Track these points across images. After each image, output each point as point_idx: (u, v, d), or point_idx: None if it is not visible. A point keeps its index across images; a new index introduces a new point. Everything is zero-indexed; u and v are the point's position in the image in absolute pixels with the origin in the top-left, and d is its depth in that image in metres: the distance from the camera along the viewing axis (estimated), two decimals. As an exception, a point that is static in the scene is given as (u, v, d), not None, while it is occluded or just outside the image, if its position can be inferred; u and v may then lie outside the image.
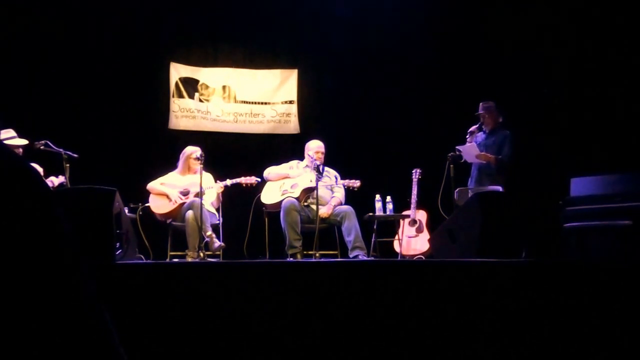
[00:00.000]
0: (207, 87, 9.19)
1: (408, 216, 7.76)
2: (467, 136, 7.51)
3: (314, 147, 7.45)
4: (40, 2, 8.32)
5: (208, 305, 3.87)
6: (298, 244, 6.90)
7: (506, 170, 7.37)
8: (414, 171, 7.82)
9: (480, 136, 7.56)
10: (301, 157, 7.58)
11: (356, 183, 7.18)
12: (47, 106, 8.10)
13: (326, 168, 7.33)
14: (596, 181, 6.69)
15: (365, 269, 4.31)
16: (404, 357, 3.93)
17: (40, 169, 6.69)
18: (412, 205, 7.78)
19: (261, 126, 9.33)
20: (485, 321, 4.01)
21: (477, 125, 7.53)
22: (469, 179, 7.57)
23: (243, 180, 7.18)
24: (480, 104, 7.57)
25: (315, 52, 9.35)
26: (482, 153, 7.28)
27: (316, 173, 6.88)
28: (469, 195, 7.32)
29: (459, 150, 7.37)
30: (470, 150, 7.32)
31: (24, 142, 6.48)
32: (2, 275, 0.85)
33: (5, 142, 6.12)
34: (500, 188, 7.10)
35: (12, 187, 0.90)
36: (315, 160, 7.17)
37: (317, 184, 6.81)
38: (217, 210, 7.32)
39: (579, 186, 6.77)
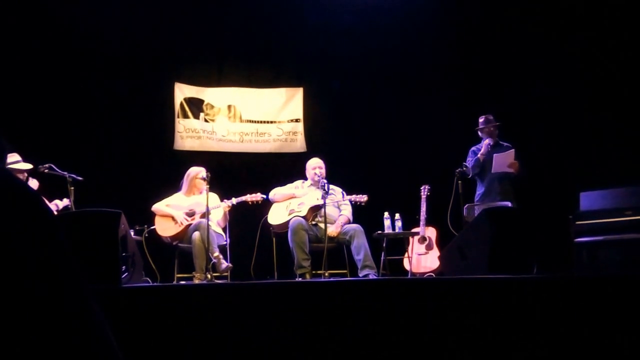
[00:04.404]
0: (212, 107, 9.18)
1: (417, 233, 7.71)
2: (482, 151, 7.35)
3: (313, 165, 7.46)
4: (45, 22, 8.33)
5: (216, 327, 3.83)
6: (307, 263, 6.82)
7: (521, 182, 7.31)
8: (422, 188, 7.76)
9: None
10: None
11: (363, 198, 7.11)
12: (51, 129, 8.11)
13: (331, 186, 7.28)
14: (606, 195, 6.66)
15: (375, 288, 4.27)
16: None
17: (35, 184, 6.67)
18: (421, 223, 7.72)
19: (267, 145, 9.31)
20: (497, 338, 3.96)
21: (491, 138, 7.42)
22: (484, 193, 7.43)
23: (248, 197, 7.14)
24: (483, 117, 7.51)
25: (320, 70, 9.34)
26: (516, 161, 7.20)
27: (322, 191, 6.84)
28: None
29: (475, 162, 7.28)
30: (506, 158, 7.19)
31: (29, 166, 6.46)
32: (7, 295, 0.87)
33: (10, 166, 6.12)
34: (509, 203, 7.04)
35: (15, 212, 0.91)
36: (319, 176, 7.16)
37: (324, 202, 6.76)
38: (224, 230, 7.28)
39: (588, 200, 6.74)
